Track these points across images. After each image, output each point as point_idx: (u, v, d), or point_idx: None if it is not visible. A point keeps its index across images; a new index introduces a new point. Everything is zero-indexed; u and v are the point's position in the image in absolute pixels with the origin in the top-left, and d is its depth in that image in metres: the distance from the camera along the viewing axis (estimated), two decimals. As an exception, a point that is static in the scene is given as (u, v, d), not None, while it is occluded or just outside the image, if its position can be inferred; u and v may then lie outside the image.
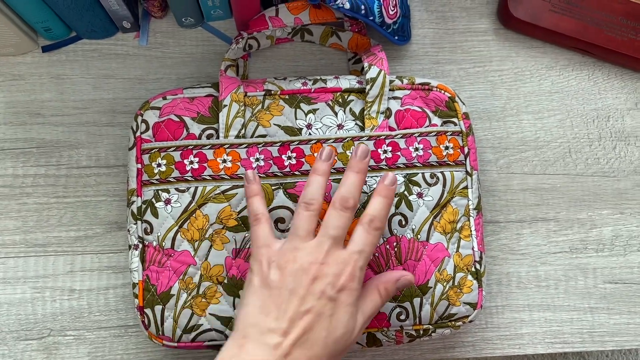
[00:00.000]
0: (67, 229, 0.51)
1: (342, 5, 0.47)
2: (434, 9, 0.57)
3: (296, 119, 0.48)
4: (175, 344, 0.45)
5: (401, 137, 0.48)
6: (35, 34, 0.53)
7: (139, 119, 0.47)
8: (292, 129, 0.48)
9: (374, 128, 0.48)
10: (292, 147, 0.47)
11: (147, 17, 0.54)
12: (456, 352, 0.52)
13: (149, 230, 0.46)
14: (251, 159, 0.47)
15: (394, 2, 0.51)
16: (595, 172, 0.55)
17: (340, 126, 0.48)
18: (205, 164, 0.46)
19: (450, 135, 0.48)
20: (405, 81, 0.50)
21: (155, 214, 0.46)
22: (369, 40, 0.53)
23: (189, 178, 0.46)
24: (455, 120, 0.49)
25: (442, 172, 0.48)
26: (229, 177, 0.46)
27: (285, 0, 0.51)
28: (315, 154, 0.47)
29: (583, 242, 0.54)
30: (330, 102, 0.48)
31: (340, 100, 0.48)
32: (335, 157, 0.47)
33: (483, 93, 0.56)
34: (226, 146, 0.47)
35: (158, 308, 0.45)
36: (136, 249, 0.46)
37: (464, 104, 0.49)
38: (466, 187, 0.48)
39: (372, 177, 0.47)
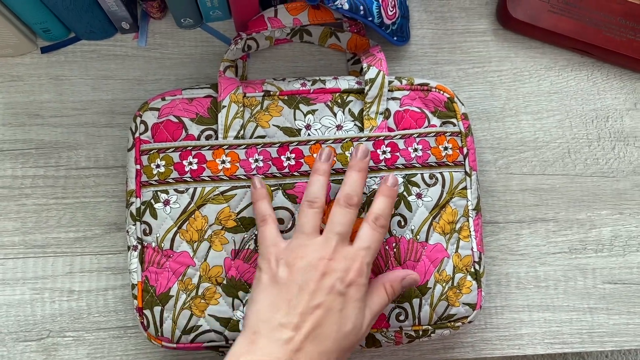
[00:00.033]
0: (66, 230, 0.51)
1: (341, 6, 0.47)
2: (432, 9, 0.57)
3: (295, 119, 0.48)
4: (175, 345, 0.45)
5: (400, 138, 0.48)
6: (34, 35, 0.53)
7: (138, 120, 0.47)
8: (291, 130, 0.47)
9: (373, 129, 0.48)
10: (291, 148, 0.47)
11: (146, 18, 0.54)
12: (455, 352, 0.52)
13: (148, 231, 0.46)
14: (250, 159, 0.46)
15: (393, 3, 0.51)
16: (595, 173, 0.55)
17: (339, 127, 0.48)
18: (204, 165, 0.46)
19: (449, 135, 0.48)
20: (404, 82, 0.50)
21: (154, 215, 0.46)
22: (367, 40, 0.53)
23: (188, 179, 0.46)
24: (454, 120, 0.49)
25: (441, 173, 0.48)
26: (227, 178, 0.46)
27: (284, 0, 0.51)
28: (315, 155, 0.47)
29: (582, 242, 0.54)
30: (329, 103, 0.48)
31: (339, 100, 0.48)
32: (334, 158, 0.47)
33: (482, 93, 0.56)
34: (225, 147, 0.47)
35: (157, 309, 0.45)
36: (135, 250, 0.46)
37: (463, 104, 0.49)
38: (465, 188, 0.48)
39: (371, 177, 0.47)
